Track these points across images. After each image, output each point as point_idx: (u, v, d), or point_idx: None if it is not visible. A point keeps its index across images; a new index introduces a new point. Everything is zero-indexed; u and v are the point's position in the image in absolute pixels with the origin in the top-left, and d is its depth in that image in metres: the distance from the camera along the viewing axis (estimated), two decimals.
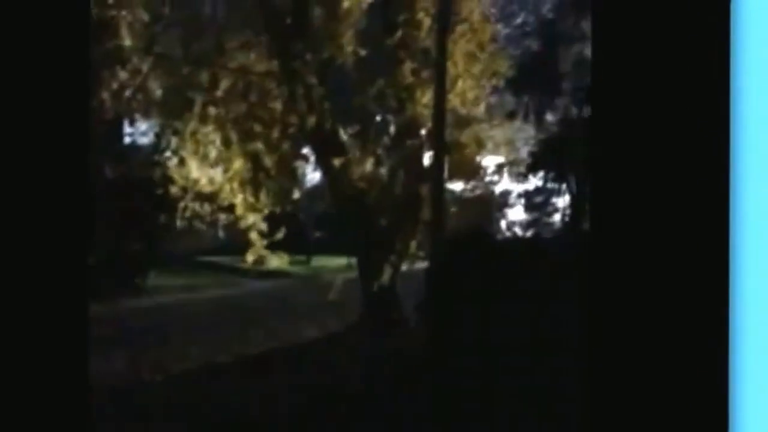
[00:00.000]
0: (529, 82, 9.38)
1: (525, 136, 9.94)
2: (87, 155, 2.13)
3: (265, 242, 9.83)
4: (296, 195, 10.31)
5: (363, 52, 9.39)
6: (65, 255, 2.13)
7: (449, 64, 8.73)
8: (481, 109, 9.77)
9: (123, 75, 9.06)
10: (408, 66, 9.39)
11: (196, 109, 9.57)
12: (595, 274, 2.14)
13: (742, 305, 2.09)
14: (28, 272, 2.11)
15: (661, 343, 2.13)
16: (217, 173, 9.68)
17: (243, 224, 9.82)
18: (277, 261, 9.98)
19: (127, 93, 9.25)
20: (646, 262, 2.12)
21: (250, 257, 9.87)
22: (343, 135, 9.59)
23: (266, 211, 9.78)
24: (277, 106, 9.65)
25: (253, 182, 9.77)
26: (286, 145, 9.71)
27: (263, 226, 9.79)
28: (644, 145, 2.11)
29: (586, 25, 8.76)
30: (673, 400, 2.11)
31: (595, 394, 2.17)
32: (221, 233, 9.86)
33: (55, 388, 2.19)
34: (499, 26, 9.91)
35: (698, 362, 2.11)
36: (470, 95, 9.52)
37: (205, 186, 9.60)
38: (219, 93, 9.61)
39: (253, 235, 9.82)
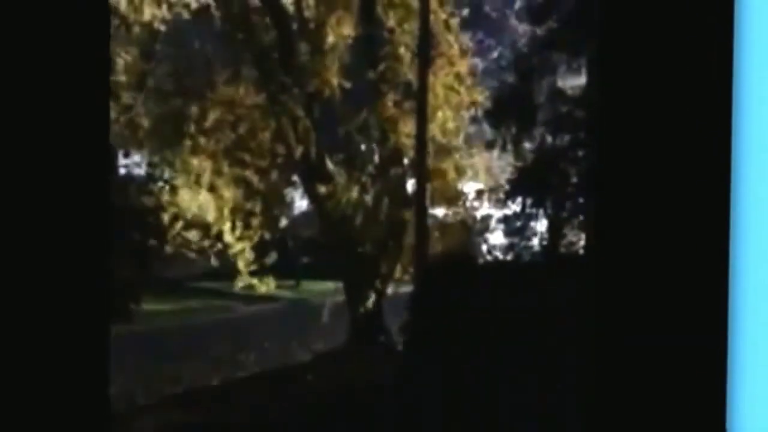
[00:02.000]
0: (507, 113, 9.81)
1: (503, 164, 10.35)
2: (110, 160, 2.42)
3: (254, 269, 10.14)
4: (285, 222, 10.68)
5: (348, 85, 9.86)
6: (87, 273, 2.25)
7: (430, 96, 9.19)
8: (460, 138, 10.19)
9: (116, 108, 9.40)
10: (390, 98, 9.86)
11: (188, 140, 9.95)
12: (599, 286, 2.15)
13: (742, 316, 2.08)
14: (50, 287, 2.22)
15: (660, 362, 2.14)
16: (208, 202, 9.99)
17: (232, 251, 10.12)
18: (265, 287, 10.28)
19: (117, 127, 9.58)
20: (649, 272, 2.13)
21: (239, 283, 10.16)
22: (330, 164, 9.99)
23: (256, 238, 10.10)
24: (266, 137, 10.06)
25: (243, 210, 10.12)
26: (274, 174, 10.11)
27: (252, 253, 10.09)
28: (647, 159, 2.14)
29: (558, 59, 9.23)
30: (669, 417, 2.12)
31: (588, 411, 2.19)
32: (212, 260, 10.15)
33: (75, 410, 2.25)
34: (477, 60, 10.35)
35: (696, 374, 2.12)
36: (450, 125, 9.96)
37: (196, 215, 9.92)
38: (209, 125, 10.01)
39: (242, 262, 10.12)
